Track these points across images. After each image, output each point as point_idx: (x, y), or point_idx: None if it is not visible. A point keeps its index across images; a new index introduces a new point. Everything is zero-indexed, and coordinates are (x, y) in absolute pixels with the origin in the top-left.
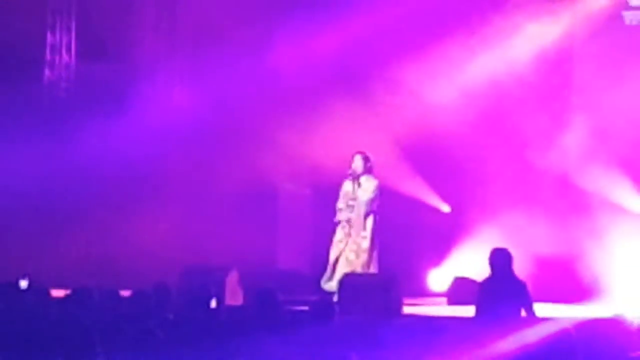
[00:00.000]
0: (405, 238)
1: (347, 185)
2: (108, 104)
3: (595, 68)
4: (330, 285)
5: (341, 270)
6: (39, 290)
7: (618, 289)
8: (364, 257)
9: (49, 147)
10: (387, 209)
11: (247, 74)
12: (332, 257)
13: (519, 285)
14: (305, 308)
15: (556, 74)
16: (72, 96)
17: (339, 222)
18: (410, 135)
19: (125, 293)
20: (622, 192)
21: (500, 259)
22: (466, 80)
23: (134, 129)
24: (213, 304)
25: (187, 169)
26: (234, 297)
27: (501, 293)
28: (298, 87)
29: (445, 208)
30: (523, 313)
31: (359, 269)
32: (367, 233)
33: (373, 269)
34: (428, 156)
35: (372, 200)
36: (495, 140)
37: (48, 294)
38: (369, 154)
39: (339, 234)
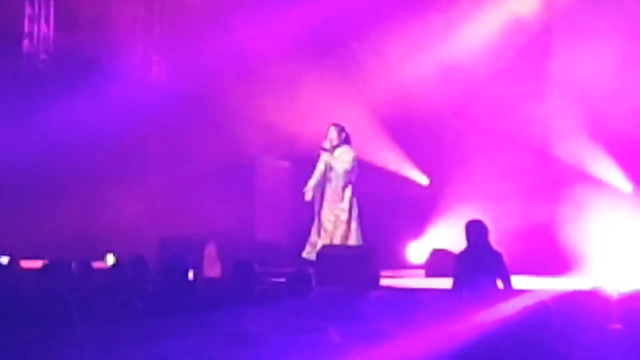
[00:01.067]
0: (384, 210)
1: (321, 163)
2: (86, 76)
3: (574, 39)
4: (311, 254)
5: (318, 240)
6: (16, 263)
7: (597, 261)
8: (342, 228)
9: (28, 119)
10: (366, 181)
11: (224, 47)
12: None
13: (495, 257)
14: (282, 280)
15: (535, 45)
16: (50, 68)
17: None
18: (389, 108)
19: (103, 264)
20: (601, 165)
21: (475, 230)
22: (445, 53)
23: (111, 102)
24: (190, 275)
25: (164, 142)
26: (212, 268)
27: (477, 265)
28: (276, 59)
29: (424, 181)
30: (500, 285)
31: (337, 241)
32: (345, 204)
33: (353, 241)
34: (406, 129)
35: (349, 172)
36: (474, 112)
37: (24, 267)
38: (344, 125)
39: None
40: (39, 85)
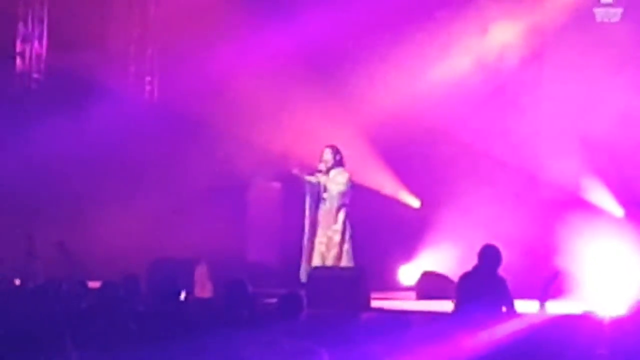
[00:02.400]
0: (375, 232)
1: (321, 178)
2: (79, 95)
3: (566, 65)
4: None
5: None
6: (6, 282)
7: (588, 285)
8: (335, 250)
9: (20, 138)
10: (358, 203)
11: (219, 66)
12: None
13: (500, 282)
14: (274, 301)
15: (527, 70)
16: (43, 87)
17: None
18: (380, 130)
19: (95, 285)
20: (592, 190)
21: (491, 256)
22: (436, 77)
23: (104, 121)
24: (182, 296)
25: (157, 161)
26: (203, 289)
27: (482, 289)
28: (269, 79)
29: (415, 203)
30: (504, 310)
31: (329, 262)
32: (339, 226)
33: (346, 262)
34: (398, 151)
35: (343, 193)
36: (465, 135)
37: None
38: (338, 147)
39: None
40: (32, 104)
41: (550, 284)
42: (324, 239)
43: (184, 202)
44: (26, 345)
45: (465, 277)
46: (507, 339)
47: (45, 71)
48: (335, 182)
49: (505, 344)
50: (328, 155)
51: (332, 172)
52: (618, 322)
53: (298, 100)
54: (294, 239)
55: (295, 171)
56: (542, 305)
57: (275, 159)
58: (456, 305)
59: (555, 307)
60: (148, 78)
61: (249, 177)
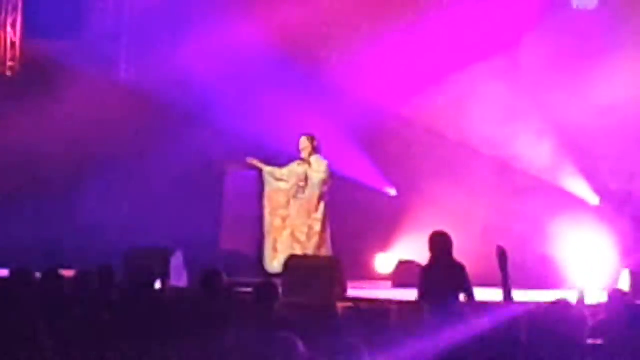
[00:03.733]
0: (352, 221)
1: (297, 167)
2: (53, 82)
3: (543, 52)
4: (274, 266)
5: (289, 251)
6: None
7: (563, 273)
8: (315, 239)
9: None
10: (334, 191)
11: (195, 52)
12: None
13: (458, 269)
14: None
15: (503, 58)
16: (17, 74)
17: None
18: (357, 117)
19: (69, 274)
20: (568, 178)
21: (440, 242)
22: (413, 64)
23: (78, 109)
24: (157, 285)
25: (132, 149)
26: (179, 278)
27: (441, 277)
28: (246, 67)
29: (392, 192)
30: (462, 297)
31: (310, 251)
32: (320, 215)
33: (325, 252)
34: (376, 140)
35: (324, 182)
36: (440, 124)
37: None
38: (314, 135)
39: (277, 220)
40: (6, 92)
41: (503, 265)
42: (305, 229)
43: (160, 191)
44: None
45: (426, 268)
46: (485, 329)
47: (20, 59)
48: (317, 171)
49: (484, 333)
50: (305, 143)
51: (312, 160)
52: (593, 309)
53: (275, 88)
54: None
55: (250, 161)
56: (507, 294)
57: (251, 148)
58: (419, 296)
59: (533, 296)
60: (123, 66)
61: (224, 166)
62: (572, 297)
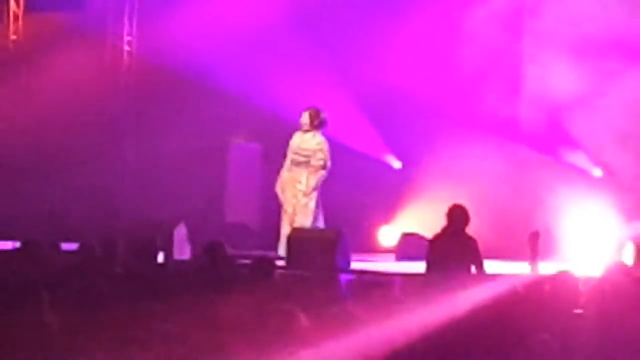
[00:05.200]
0: (355, 193)
1: (295, 138)
2: (57, 54)
3: (547, 24)
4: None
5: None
6: None
7: (567, 246)
8: (301, 211)
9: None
10: (338, 163)
11: (199, 21)
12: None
13: (470, 243)
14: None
15: (507, 29)
16: (21, 47)
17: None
18: (365, 89)
19: (72, 246)
20: (571, 150)
21: (458, 215)
22: (419, 36)
23: (85, 77)
24: (160, 257)
25: (134, 120)
26: (182, 251)
27: (451, 250)
28: (252, 35)
29: (397, 164)
30: (473, 270)
31: (296, 224)
32: (304, 187)
33: (308, 223)
34: (381, 111)
35: (319, 157)
36: (447, 98)
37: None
38: (319, 110)
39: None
40: (11, 63)
41: (535, 244)
42: (293, 200)
43: (164, 163)
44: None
45: (435, 239)
46: (484, 300)
47: (23, 31)
48: (311, 144)
49: (484, 305)
50: (306, 118)
51: (310, 135)
52: (594, 282)
53: (281, 60)
54: (273, 200)
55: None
56: (533, 266)
57: (256, 120)
58: (427, 267)
59: (536, 268)
60: (127, 38)
61: (229, 138)
62: (574, 269)
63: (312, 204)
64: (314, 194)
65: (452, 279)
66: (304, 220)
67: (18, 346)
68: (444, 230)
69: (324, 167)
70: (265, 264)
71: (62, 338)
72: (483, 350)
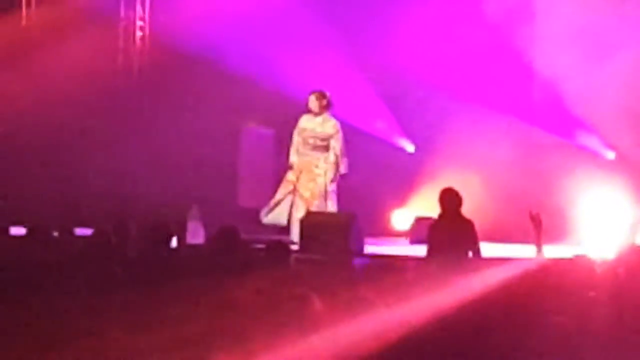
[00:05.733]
0: (369, 177)
1: (307, 122)
2: (70, 37)
3: (556, 13)
4: (269, 218)
5: (299, 208)
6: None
7: (581, 229)
8: (318, 195)
9: (7, 79)
10: (352, 147)
11: (211, 4)
12: (279, 194)
13: (466, 225)
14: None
15: (520, 11)
16: (33, 32)
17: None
18: (379, 72)
19: (86, 232)
20: (585, 133)
21: (448, 199)
22: (432, 18)
23: (97, 61)
24: (173, 242)
25: (147, 105)
26: (195, 235)
27: (449, 233)
28: (264, 22)
29: (410, 148)
30: (469, 254)
31: (313, 207)
32: (321, 170)
33: (327, 207)
34: (395, 94)
35: (333, 139)
36: (461, 79)
37: (7, 232)
38: (324, 92)
39: (291, 174)
40: (20, 41)
41: (538, 227)
42: (311, 185)
43: (177, 148)
44: (15, 290)
45: (434, 223)
46: (499, 284)
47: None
48: (323, 128)
49: (497, 288)
50: (313, 102)
51: (320, 118)
52: (609, 265)
53: (293, 44)
54: None
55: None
56: (539, 250)
57: (269, 105)
58: (428, 252)
59: (549, 252)
60: (139, 22)
61: (241, 123)
62: (588, 252)
63: (333, 187)
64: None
65: (465, 262)
66: (325, 204)
67: (30, 330)
68: (440, 215)
69: (342, 154)
70: (280, 248)
71: (75, 322)
72: (497, 333)
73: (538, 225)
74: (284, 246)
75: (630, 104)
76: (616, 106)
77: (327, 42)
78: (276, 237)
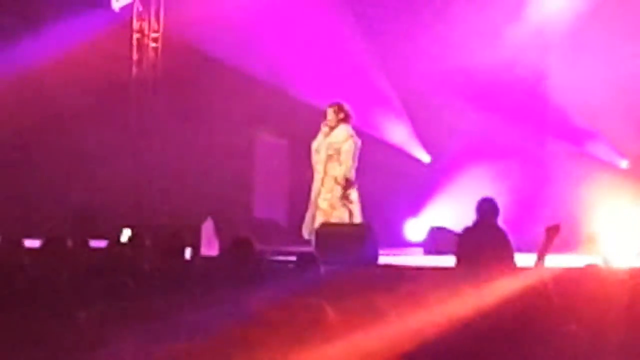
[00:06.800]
0: (385, 187)
1: (322, 138)
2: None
3: (566, 19)
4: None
5: (319, 219)
6: (11, 241)
7: (596, 238)
8: (339, 207)
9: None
10: (367, 157)
11: (224, 16)
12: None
13: (500, 235)
14: (285, 258)
15: (532, 26)
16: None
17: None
18: (396, 81)
19: (100, 243)
20: (599, 143)
21: (488, 209)
22: (447, 29)
23: (111, 73)
24: (188, 254)
25: (161, 117)
26: (210, 247)
27: (482, 243)
28: (278, 33)
29: (426, 158)
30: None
31: (333, 219)
32: (341, 182)
33: (349, 219)
34: (412, 104)
35: (349, 151)
36: (475, 92)
37: (21, 244)
38: (342, 104)
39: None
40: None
41: (551, 238)
42: (328, 196)
43: (191, 159)
44: (32, 299)
45: (466, 232)
46: (513, 293)
47: None
48: (338, 141)
49: (514, 298)
50: (331, 115)
51: (336, 132)
52: (623, 274)
53: (306, 57)
54: (301, 195)
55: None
56: (540, 260)
57: (283, 116)
58: (458, 260)
59: (564, 261)
60: (153, 34)
61: (256, 135)
62: (600, 263)
63: (354, 196)
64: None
65: (480, 272)
66: (347, 214)
67: (46, 340)
68: (475, 224)
69: (355, 149)
70: (310, 260)
71: (90, 333)
72: (512, 342)
73: (552, 236)
74: (314, 257)
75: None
76: (630, 115)
77: (344, 54)
78: (297, 248)
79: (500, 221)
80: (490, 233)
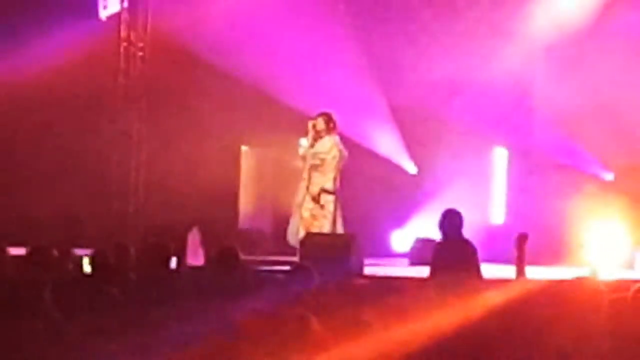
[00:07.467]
0: (370, 198)
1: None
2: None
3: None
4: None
5: (302, 228)
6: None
7: (583, 250)
8: (321, 217)
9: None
10: (353, 167)
11: (212, 26)
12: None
13: (467, 247)
14: (270, 268)
15: (521, 46)
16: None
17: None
18: (386, 92)
19: (86, 252)
20: (584, 155)
21: (450, 221)
22: (433, 44)
23: (97, 83)
24: (173, 263)
25: (148, 127)
26: (195, 256)
27: (451, 255)
28: (267, 44)
29: (412, 169)
30: (470, 275)
31: (314, 229)
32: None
33: (329, 229)
34: (398, 117)
35: (335, 160)
36: (463, 104)
37: (5, 252)
38: (332, 114)
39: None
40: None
41: (521, 247)
42: (310, 205)
43: (177, 169)
44: (17, 308)
45: (438, 244)
46: (498, 305)
47: None
48: (323, 152)
49: (496, 309)
50: (321, 124)
51: (322, 142)
52: (608, 287)
53: (290, 63)
54: (287, 205)
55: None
56: (520, 271)
57: (268, 125)
58: (431, 272)
59: (551, 273)
60: (140, 44)
61: (241, 143)
62: (586, 275)
63: (331, 206)
64: (336, 201)
65: (466, 284)
66: (328, 225)
67: (28, 350)
68: (443, 237)
69: (339, 159)
70: (304, 271)
71: (74, 343)
72: (497, 354)
73: (522, 245)
74: (308, 269)
75: (630, 125)
76: (615, 128)
77: (334, 63)
78: (278, 258)
79: (483, 234)
80: (458, 245)
